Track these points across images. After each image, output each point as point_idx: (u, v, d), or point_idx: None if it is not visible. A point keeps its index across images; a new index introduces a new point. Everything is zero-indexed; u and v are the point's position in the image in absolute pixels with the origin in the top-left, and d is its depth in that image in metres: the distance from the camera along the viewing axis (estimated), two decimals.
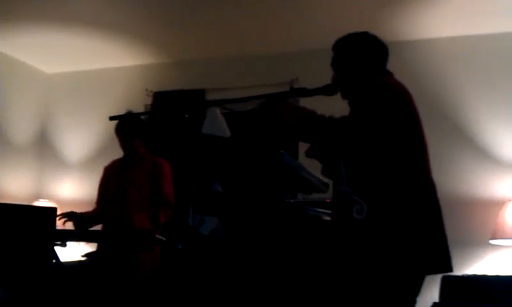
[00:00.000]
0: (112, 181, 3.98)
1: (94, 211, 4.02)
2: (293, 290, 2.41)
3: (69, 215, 3.82)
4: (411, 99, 2.22)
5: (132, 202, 3.81)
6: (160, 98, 5.20)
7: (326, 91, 2.31)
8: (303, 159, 2.46)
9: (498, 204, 4.03)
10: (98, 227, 3.97)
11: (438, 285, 3.59)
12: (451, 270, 2.18)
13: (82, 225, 3.81)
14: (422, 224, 2.07)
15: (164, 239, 3.52)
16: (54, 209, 3.43)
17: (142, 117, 4.14)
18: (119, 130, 3.95)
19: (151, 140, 4.24)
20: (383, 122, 2.09)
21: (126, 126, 3.90)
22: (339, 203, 2.14)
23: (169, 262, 3.73)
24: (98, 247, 3.84)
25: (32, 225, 3.28)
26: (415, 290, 2.15)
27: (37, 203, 5.18)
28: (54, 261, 3.35)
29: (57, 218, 3.62)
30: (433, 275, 2.22)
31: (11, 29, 4.79)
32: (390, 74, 2.33)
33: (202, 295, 3.06)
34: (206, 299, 3.00)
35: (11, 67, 5.38)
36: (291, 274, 2.42)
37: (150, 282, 3.64)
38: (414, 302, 2.16)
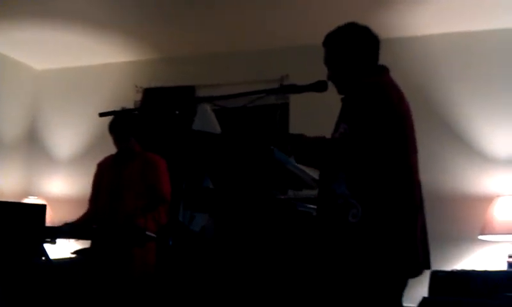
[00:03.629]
0: (107, 178, 3.90)
1: (85, 215, 3.91)
2: (283, 286, 2.42)
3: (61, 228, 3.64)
4: (402, 100, 2.22)
5: (126, 199, 3.74)
6: (150, 95, 5.17)
7: (316, 87, 2.31)
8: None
9: (487, 200, 4.06)
10: None
11: (427, 280, 3.61)
12: (429, 268, 2.22)
13: None
14: (399, 226, 2.08)
15: (155, 236, 3.50)
16: (44, 206, 3.41)
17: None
18: (113, 130, 3.84)
19: (141, 136, 4.21)
20: (372, 130, 2.09)
21: (121, 125, 3.80)
22: (336, 204, 2.13)
23: (160, 259, 3.72)
24: (92, 245, 3.78)
25: (22, 222, 3.27)
26: (396, 290, 2.17)
27: (26, 200, 5.14)
28: (43, 258, 3.34)
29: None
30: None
31: (0, 25, 4.75)
32: (384, 70, 2.32)
33: (193, 292, 3.06)
34: (197, 296, 3.00)
35: (0, 63, 5.33)
36: (282, 271, 2.42)
37: (142, 279, 3.62)
38: (400, 299, 2.18)
